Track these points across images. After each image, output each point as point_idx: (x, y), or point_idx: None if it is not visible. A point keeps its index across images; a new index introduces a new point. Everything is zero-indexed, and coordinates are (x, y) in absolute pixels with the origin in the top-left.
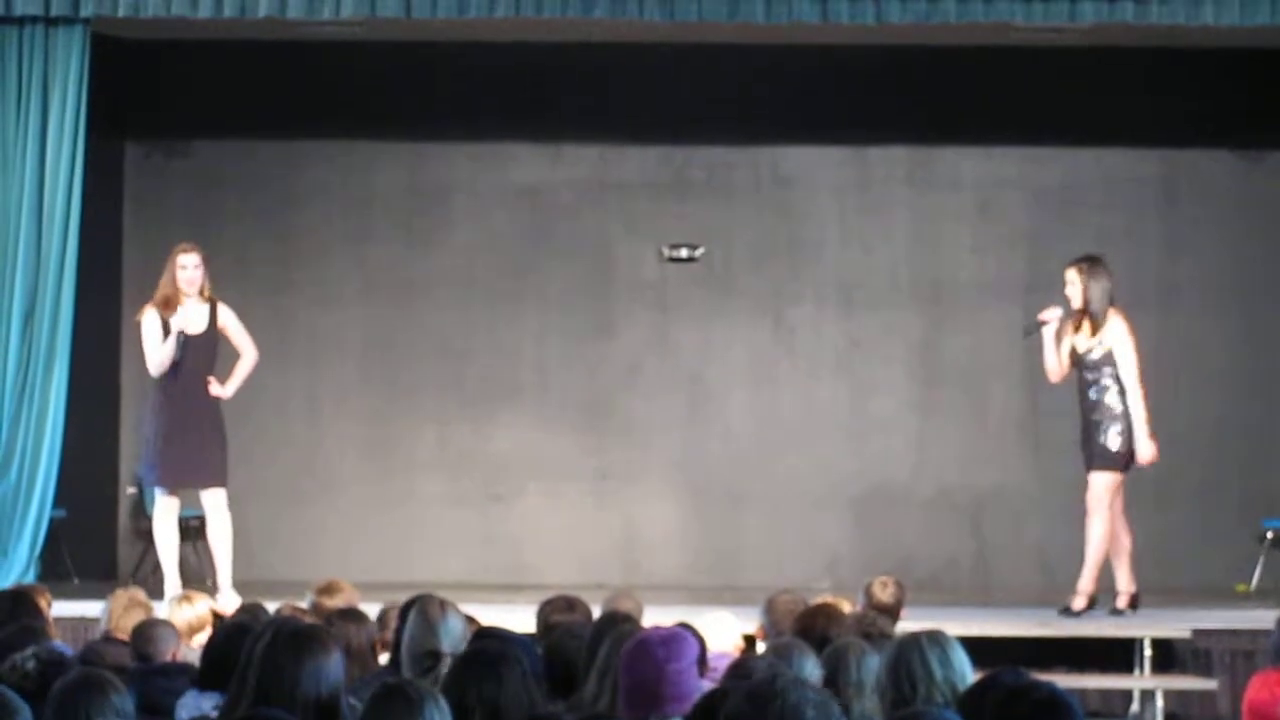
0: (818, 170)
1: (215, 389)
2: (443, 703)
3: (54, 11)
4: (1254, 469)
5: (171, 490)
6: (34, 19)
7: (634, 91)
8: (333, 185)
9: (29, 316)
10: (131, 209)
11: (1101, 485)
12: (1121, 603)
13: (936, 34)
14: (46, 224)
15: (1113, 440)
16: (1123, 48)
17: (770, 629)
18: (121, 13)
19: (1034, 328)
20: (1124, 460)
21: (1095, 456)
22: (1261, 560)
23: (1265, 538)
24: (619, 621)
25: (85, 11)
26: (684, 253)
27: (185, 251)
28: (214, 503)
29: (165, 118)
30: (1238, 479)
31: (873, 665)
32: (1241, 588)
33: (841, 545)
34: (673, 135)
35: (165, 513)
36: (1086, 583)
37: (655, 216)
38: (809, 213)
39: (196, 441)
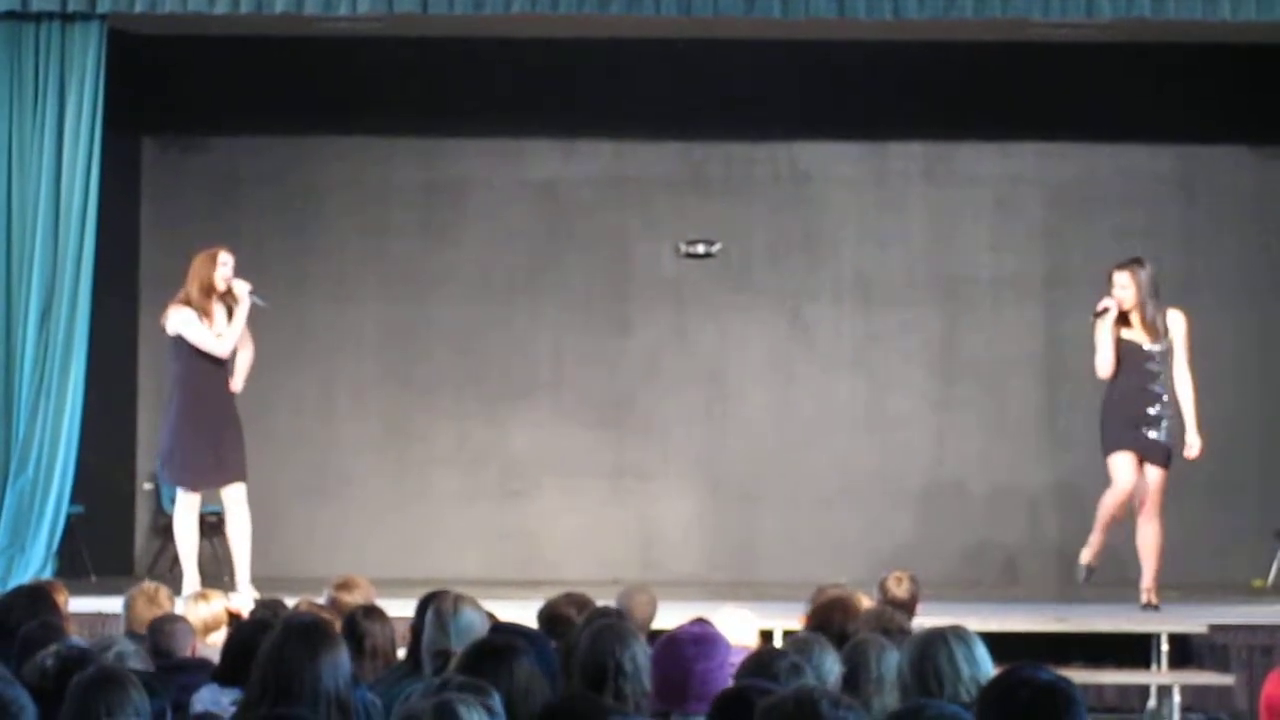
0: (835, 166)
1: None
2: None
3: (70, 8)
4: (1271, 465)
5: (193, 488)
6: (50, 15)
7: (651, 87)
8: (349, 181)
9: (46, 312)
10: (148, 204)
11: (1162, 483)
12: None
13: (954, 30)
14: (64, 220)
15: (1171, 439)
16: (1140, 43)
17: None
18: (138, 8)
19: (1100, 314)
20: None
21: (1158, 454)
22: (1279, 555)
23: None
24: (606, 615)
25: (102, 8)
26: (701, 248)
27: (227, 250)
28: (234, 498)
29: (182, 113)
30: (1255, 475)
31: (892, 661)
32: (1259, 583)
33: (859, 541)
34: (690, 131)
35: (186, 509)
36: (1153, 580)
37: (672, 212)
38: (826, 208)
39: (217, 438)
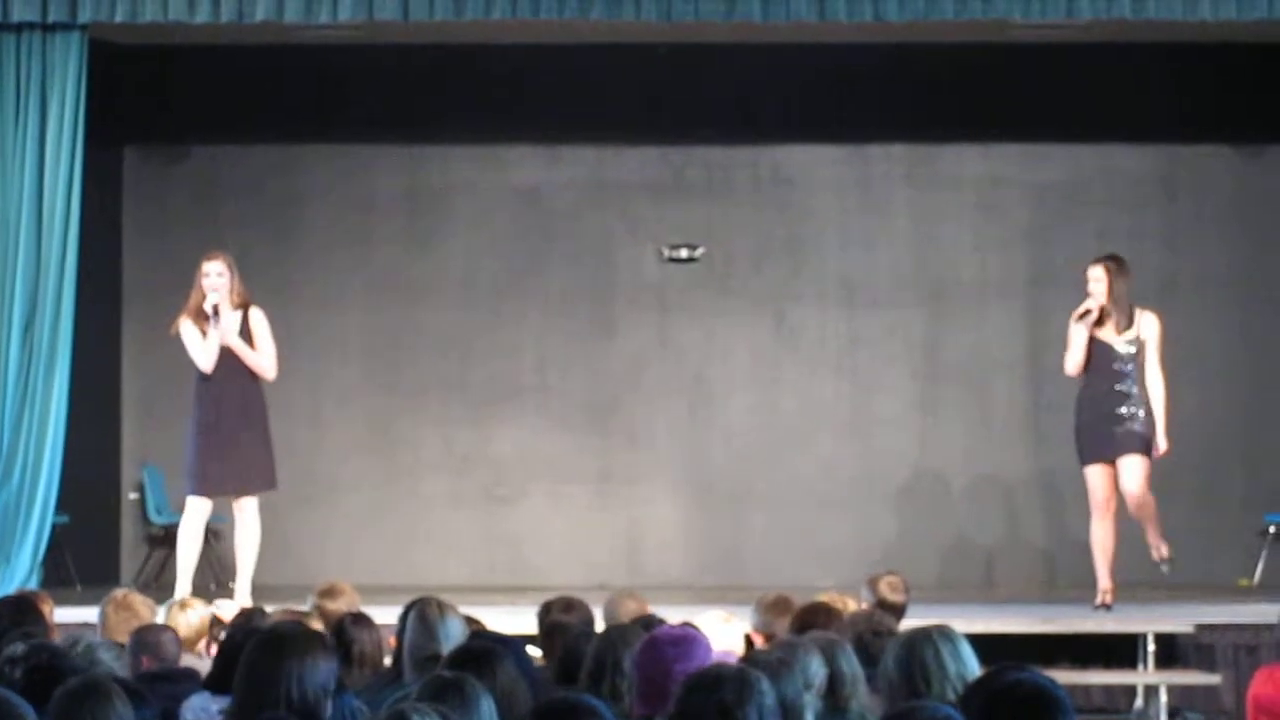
0: (818, 169)
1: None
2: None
3: (51, 18)
4: (1255, 463)
5: (199, 494)
6: (31, 25)
7: (632, 92)
8: (333, 188)
9: (29, 322)
10: (131, 214)
11: (1145, 471)
12: (1110, 598)
13: (935, 31)
14: (46, 230)
15: (1147, 428)
16: (1121, 44)
17: (764, 628)
18: (119, 18)
19: (1082, 316)
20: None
21: (1133, 443)
22: (1264, 555)
23: (1267, 532)
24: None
25: (83, 18)
26: (684, 253)
27: (209, 259)
28: (243, 508)
29: (164, 123)
30: (1239, 474)
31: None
32: (1244, 582)
33: (844, 543)
34: (672, 135)
35: (194, 515)
36: (1158, 535)
37: (655, 217)
38: (809, 212)
39: (230, 448)
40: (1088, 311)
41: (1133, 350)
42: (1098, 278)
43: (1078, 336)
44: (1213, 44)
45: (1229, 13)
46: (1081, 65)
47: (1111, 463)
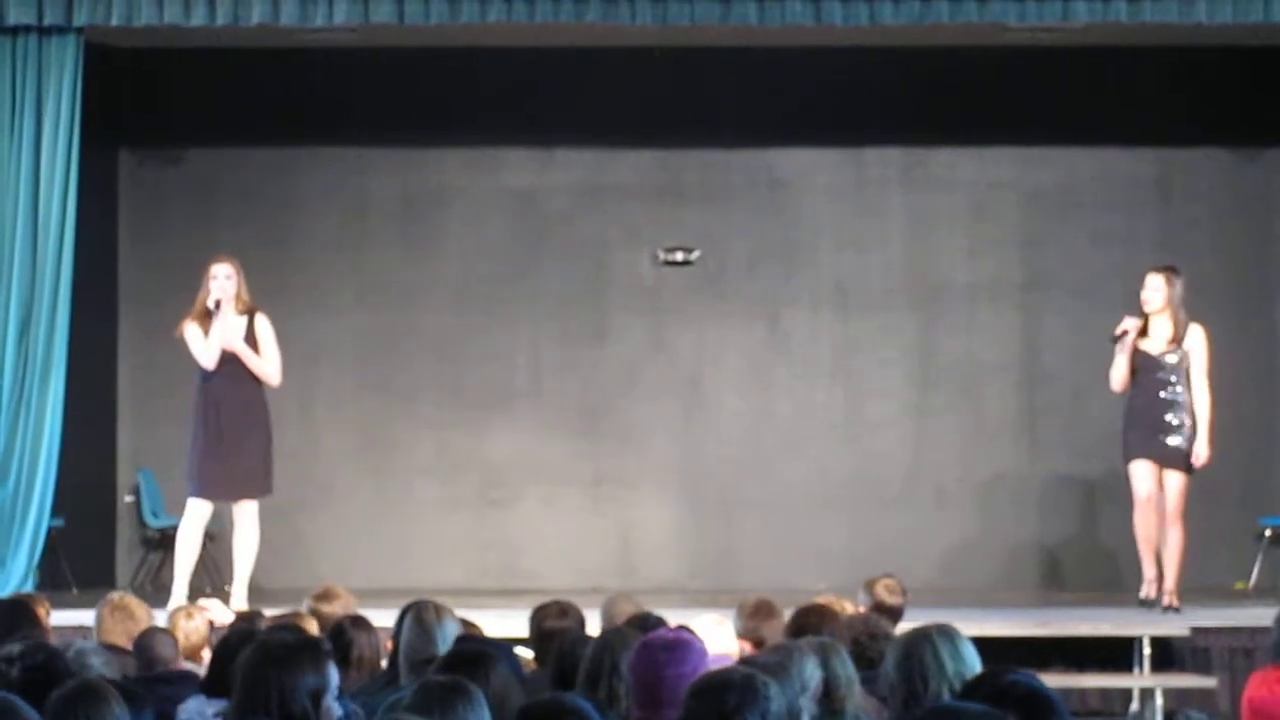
0: (812, 172)
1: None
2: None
3: (47, 21)
4: (1252, 467)
5: (199, 496)
6: (27, 28)
7: (627, 95)
8: (327, 191)
9: (25, 326)
10: (126, 217)
11: (1184, 487)
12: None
13: (930, 35)
14: (42, 233)
15: (1188, 443)
16: (1116, 47)
17: (749, 633)
18: (115, 21)
19: (1118, 338)
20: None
21: (1177, 459)
22: (1260, 558)
23: (1263, 535)
24: (633, 628)
25: (78, 20)
26: (679, 256)
27: (217, 262)
28: (243, 513)
29: (159, 126)
30: (1236, 477)
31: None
32: (1240, 585)
33: (838, 547)
34: (667, 139)
35: (193, 518)
36: (1175, 583)
37: (650, 220)
38: (804, 215)
39: (231, 452)
40: (1125, 333)
41: (1176, 361)
42: (1156, 286)
43: (1122, 355)
44: (1208, 47)
45: (1224, 16)
46: (1077, 68)
47: (1155, 462)
